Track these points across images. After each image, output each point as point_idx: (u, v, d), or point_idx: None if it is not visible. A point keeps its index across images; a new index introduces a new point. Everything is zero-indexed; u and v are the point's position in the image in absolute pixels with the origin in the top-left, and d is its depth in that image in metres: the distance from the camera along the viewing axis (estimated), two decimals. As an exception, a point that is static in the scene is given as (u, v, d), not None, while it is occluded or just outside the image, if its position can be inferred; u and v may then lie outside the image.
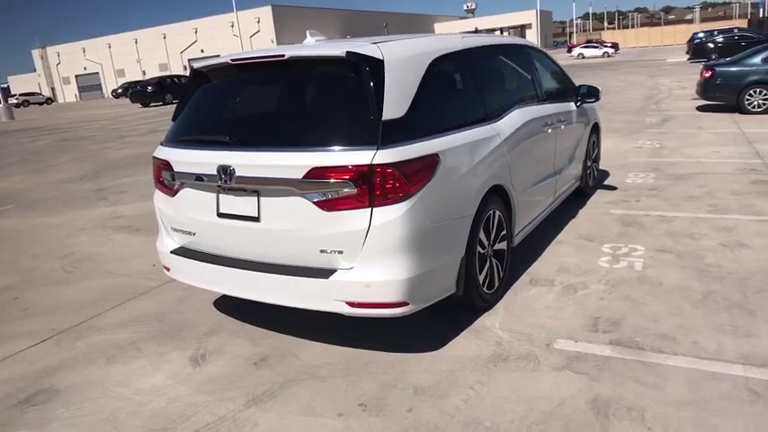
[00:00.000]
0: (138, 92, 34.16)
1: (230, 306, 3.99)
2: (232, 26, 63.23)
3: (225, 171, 3.00)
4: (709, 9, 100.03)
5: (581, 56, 48.65)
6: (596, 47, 49.40)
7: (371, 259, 2.77)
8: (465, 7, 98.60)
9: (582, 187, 5.80)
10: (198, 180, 3.20)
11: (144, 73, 68.29)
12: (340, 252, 2.83)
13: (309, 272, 2.91)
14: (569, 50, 55.25)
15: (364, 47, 2.94)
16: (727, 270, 3.90)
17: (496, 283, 3.65)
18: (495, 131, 3.61)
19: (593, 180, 6.16)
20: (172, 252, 3.47)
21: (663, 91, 16.80)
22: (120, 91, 56.57)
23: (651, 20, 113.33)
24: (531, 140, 4.14)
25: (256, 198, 2.99)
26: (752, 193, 5.69)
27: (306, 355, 3.25)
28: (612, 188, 6.32)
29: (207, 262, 3.27)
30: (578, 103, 5.28)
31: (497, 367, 2.96)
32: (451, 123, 3.27)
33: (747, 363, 2.79)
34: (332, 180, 2.75)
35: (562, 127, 4.84)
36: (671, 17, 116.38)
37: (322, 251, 2.87)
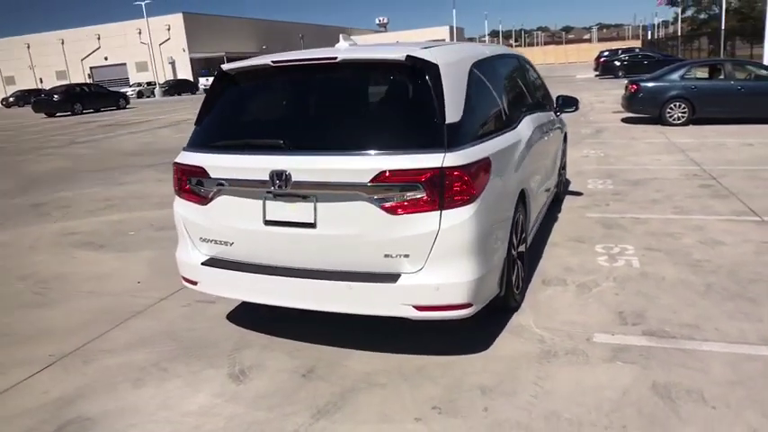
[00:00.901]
0: (42, 101, 31.64)
1: (247, 320, 3.84)
2: (140, 33, 60.39)
3: (279, 176, 2.91)
4: (605, 30, 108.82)
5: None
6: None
7: (439, 262, 2.80)
8: (377, 21, 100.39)
9: (558, 192, 6.12)
10: (240, 186, 3.08)
11: (41, 81, 63.45)
12: (406, 256, 2.83)
13: (373, 277, 2.88)
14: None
15: (418, 51, 2.98)
16: (716, 264, 4.28)
17: (521, 284, 3.79)
18: (519, 137, 3.76)
19: (562, 186, 6.52)
20: (203, 264, 3.30)
21: (585, 105, 17.99)
22: (11, 99, 52.05)
23: (553, 38, 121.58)
24: (536, 146, 4.34)
25: (312, 204, 2.93)
26: (704, 196, 6.26)
27: (354, 364, 3.21)
28: (579, 194, 6.72)
29: (248, 272, 3.14)
30: (558, 113, 5.59)
31: (550, 363, 3.08)
32: (492, 128, 3.38)
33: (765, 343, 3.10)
34: (401, 183, 2.75)
35: (551, 134, 5.12)
36: (570, 36, 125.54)
37: (386, 255, 2.85)
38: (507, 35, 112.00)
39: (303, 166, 2.89)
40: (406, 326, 3.37)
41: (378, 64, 3.09)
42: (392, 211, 2.79)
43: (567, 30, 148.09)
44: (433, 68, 2.91)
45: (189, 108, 28.64)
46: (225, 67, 3.36)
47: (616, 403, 2.69)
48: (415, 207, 2.77)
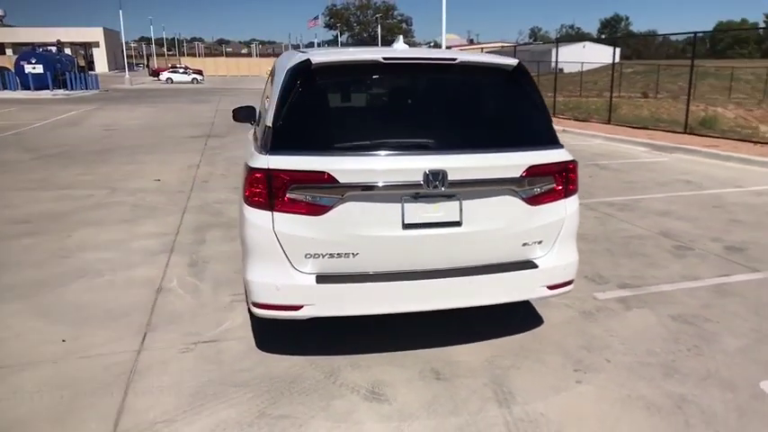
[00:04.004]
0: None
1: (284, 347, 3.46)
2: None
3: (436, 176, 2.87)
4: (260, 46, 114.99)
5: (170, 80, 48.52)
6: (186, 73, 50.21)
7: (562, 244, 3.25)
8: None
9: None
10: (380, 190, 2.89)
11: None
12: (539, 242, 3.18)
13: (515, 266, 3.13)
14: (156, 75, 54.18)
15: (509, 58, 3.35)
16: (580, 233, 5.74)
17: None
18: None
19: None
20: (319, 282, 2.92)
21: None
22: None
23: (211, 50, 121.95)
24: None
25: (458, 202, 2.99)
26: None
27: (465, 358, 3.36)
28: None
29: (383, 281, 2.97)
30: None
31: (597, 320, 3.85)
32: None
33: (690, 279, 4.54)
34: (542, 176, 3.10)
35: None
36: (229, 50, 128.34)
37: (524, 244, 3.15)
38: (171, 43, 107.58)
39: (459, 165, 2.93)
40: (451, 317, 3.60)
41: (492, 68, 3.30)
42: (533, 201, 3.12)
43: (224, 43, 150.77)
44: (528, 75, 3.34)
45: None
46: (316, 60, 3.02)
47: (670, 334, 3.63)
48: (549, 197, 3.16)
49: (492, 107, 3.42)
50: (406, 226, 2.97)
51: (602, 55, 39.13)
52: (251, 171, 2.94)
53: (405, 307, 3.07)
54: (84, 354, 3.45)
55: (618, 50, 43.45)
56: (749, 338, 3.58)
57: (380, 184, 2.90)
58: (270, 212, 2.92)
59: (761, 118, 18.09)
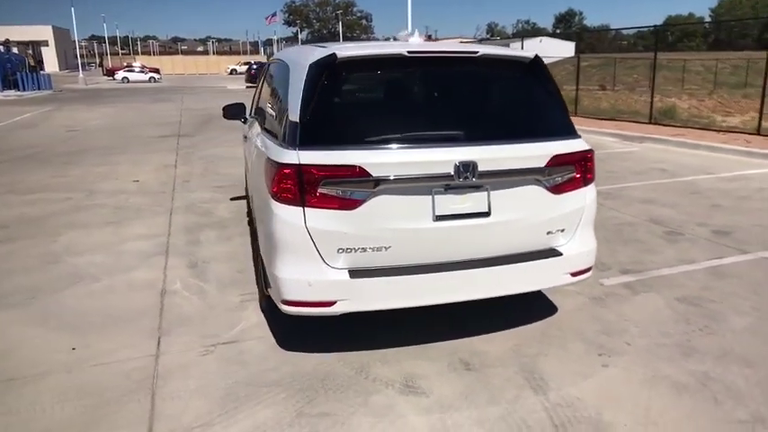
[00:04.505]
0: None
1: (304, 344, 3.43)
2: None
3: (466, 168, 2.89)
4: (216, 43, 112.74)
5: (125, 80, 46.93)
6: (143, 71, 48.63)
7: (582, 232, 3.32)
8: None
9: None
10: (411, 183, 2.89)
11: None
12: (562, 230, 3.24)
13: (540, 254, 3.19)
14: (110, 74, 52.28)
15: (526, 51, 3.39)
16: (583, 223, 5.86)
17: None
18: None
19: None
20: (352, 276, 2.90)
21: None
22: None
23: (165, 49, 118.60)
24: None
25: (486, 193, 3.02)
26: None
27: (488, 348, 3.40)
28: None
29: (414, 274, 2.97)
30: None
31: (608, 305, 3.95)
32: None
33: (687, 263, 4.71)
34: (564, 165, 3.16)
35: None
36: (184, 47, 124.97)
37: (548, 232, 3.21)
38: (126, 41, 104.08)
39: (489, 156, 2.96)
40: (464, 308, 3.53)
41: (511, 60, 3.34)
42: (556, 190, 3.18)
43: (179, 41, 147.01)
44: (545, 68, 3.39)
45: None
46: (342, 54, 2.99)
47: (677, 315, 3.77)
48: (571, 186, 3.23)
49: (513, 98, 3.46)
50: (437, 218, 2.98)
51: (558, 49, 39.87)
52: (279, 167, 2.89)
53: (438, 299, 3.08)
54: (99, 361, 3.33)
55: (573, 44, 44.63)
56: (753, 316, 3.75)
57: (412, 177, 2.90)
58: (301, 208, 2.89)
59: (712, 108, 18.89)
